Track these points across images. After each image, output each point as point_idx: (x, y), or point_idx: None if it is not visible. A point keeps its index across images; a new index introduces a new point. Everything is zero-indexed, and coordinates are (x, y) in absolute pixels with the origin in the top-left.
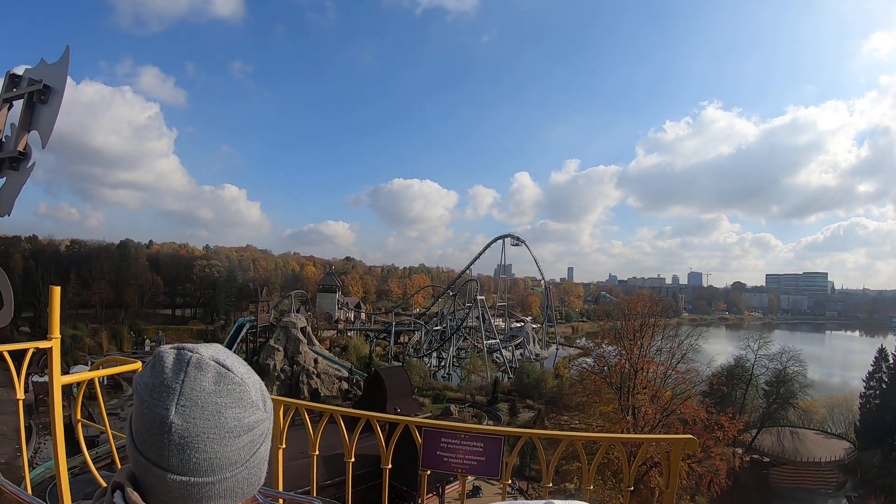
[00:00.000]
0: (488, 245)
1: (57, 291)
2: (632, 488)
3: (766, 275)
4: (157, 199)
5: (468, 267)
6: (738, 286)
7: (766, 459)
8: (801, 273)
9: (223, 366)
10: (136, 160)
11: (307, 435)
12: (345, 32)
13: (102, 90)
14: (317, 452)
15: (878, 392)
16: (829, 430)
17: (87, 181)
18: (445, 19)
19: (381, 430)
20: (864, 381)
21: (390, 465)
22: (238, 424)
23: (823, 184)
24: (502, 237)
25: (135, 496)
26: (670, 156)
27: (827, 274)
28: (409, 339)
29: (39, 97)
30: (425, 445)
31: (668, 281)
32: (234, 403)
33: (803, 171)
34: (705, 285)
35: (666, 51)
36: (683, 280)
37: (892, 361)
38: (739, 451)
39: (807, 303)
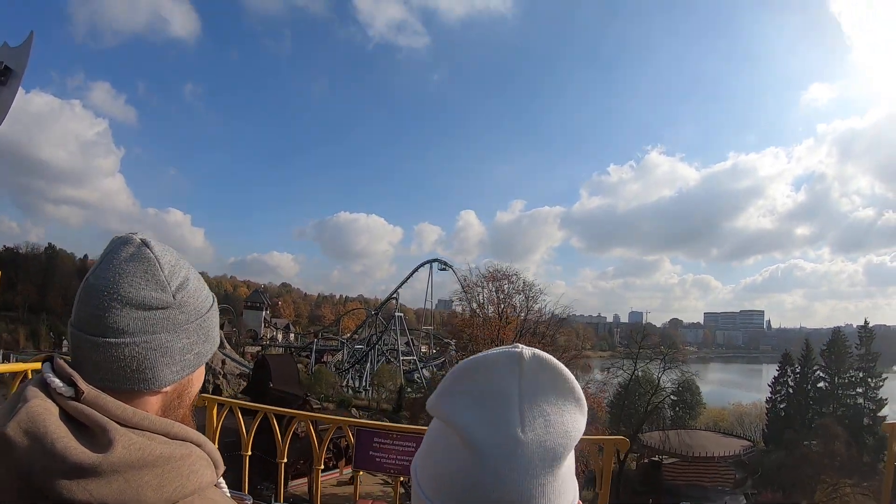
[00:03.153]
0: (416, 269)
1: None
2: None
3: (704, 313)
4: (101, 218)
5: (396, 290)
6: (675, 322)
7: (668, 459)
8: (738, 311)
9: (147, 245)
10: (81, 176)
11: (240, 435)
12: (298, 61)
13: (52, 102)
14: (249, 453)
15: (783, 396)
16: (724, 431)
17: (30, 194)
18: (396, 56)
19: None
20: (769, 385)
21: (322, 466)
22: (132, 293)
23: (762, 227)
24: (429, 262)
25: (60, 361)
26: (613, 198)
27: (763, 312)
28: (333, 357)
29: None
30: (358, 445)
31: (609, 319)
32: (136, 273)
33: (742, 215)
34: (644, 323)
35: (609, 97)
36: (625, 319)
37: (797, 367)
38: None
39: (742, 338)
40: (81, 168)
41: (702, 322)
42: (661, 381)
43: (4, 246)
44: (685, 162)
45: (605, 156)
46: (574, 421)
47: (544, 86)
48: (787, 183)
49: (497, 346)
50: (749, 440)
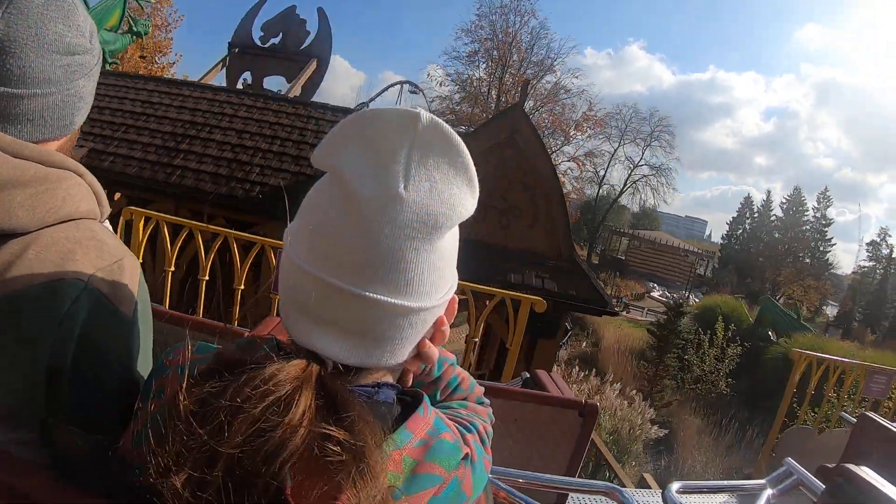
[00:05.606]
0: (385, 89)
1: None
2: (477, 339)
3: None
4: None
5: (359, 106)
6: (621, 208)
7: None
8: (683, 216)
9: None
10: None
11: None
12: None
13: None
14: (172, 269)
15: (738, 238)
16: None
17: None
18: None
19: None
20: (728, 224)
21: (243, 286)
22: (58, 40)
23: (724, 146)
24: (400, 83)
25: None
26: (584, 81)
27: (707, 223)
28: None
29: None
30: (279, 267)
31: None
32: (59, 19)
33: (708, 129)
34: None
35: None
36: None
37: (756, 215)
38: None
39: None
40: None
41: None
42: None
43: None
44: (663, 63)
45: (584, 38)
46: (462, 197)
47: None
48: (759, 111)
49: None
50: (710, 252)
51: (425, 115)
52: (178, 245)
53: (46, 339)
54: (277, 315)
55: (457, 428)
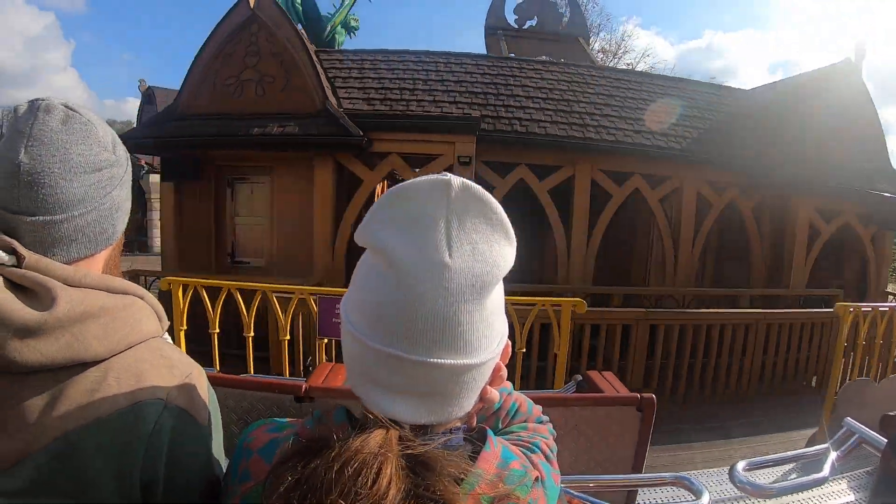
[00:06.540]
0: None
1: None
2: (524, 349)
3: None
4: None
5: None
6: None
7: None
8: None
9: (71, 108)
10: (30, 76)
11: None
12: None
13: None
14: (217, 330)
15: None
16: None
17: None
18: None
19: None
20: None
21: (288, 336)
22: (83, 161)
23: None
24: None
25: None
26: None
27: None
28: None
29: None
30: (321, 313)
31: None
32: (79, 141)
33: None
34: None
35: None
36: None
37: None
38: None
39: None
40: (30, 67)
41: None
42: None
43: None
44: (660, 36)
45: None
46: (502, 252)
47: None
48: (763, 68)
49: None
50: None
51: (455, 179)
52: (220, 306)
53: (137, 457)
54: (327, 360)
55: (522, 452)
